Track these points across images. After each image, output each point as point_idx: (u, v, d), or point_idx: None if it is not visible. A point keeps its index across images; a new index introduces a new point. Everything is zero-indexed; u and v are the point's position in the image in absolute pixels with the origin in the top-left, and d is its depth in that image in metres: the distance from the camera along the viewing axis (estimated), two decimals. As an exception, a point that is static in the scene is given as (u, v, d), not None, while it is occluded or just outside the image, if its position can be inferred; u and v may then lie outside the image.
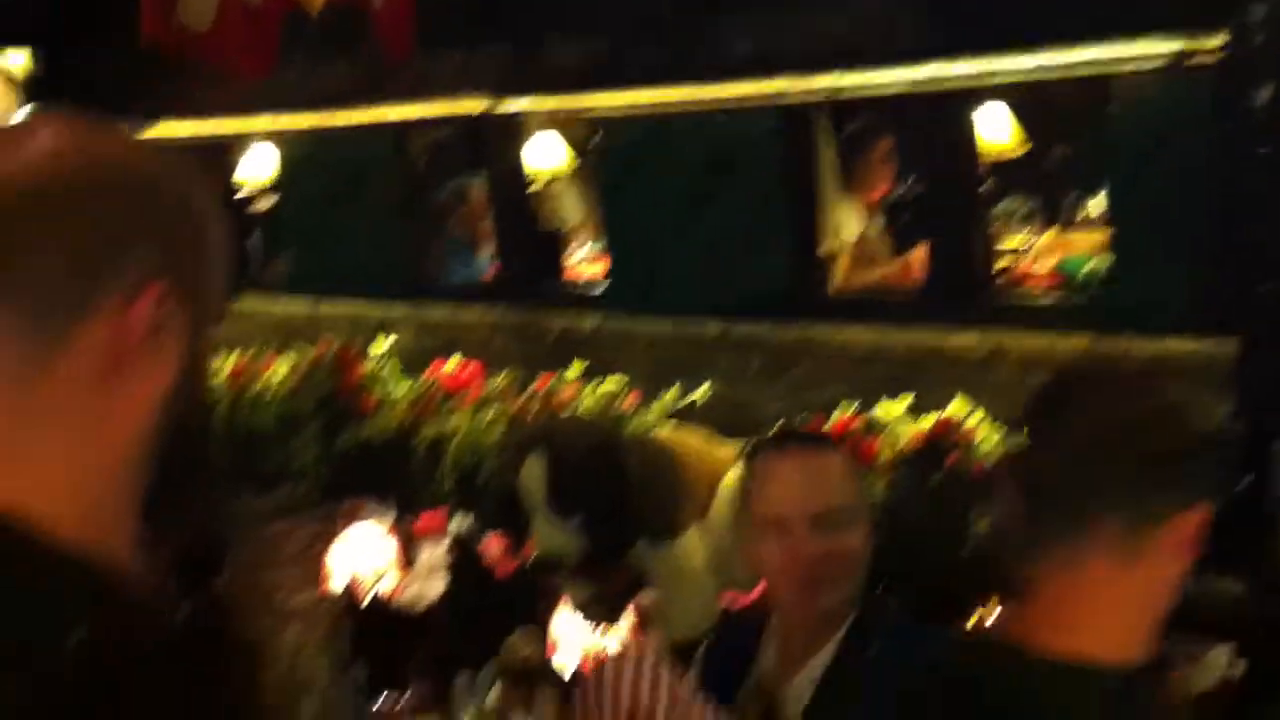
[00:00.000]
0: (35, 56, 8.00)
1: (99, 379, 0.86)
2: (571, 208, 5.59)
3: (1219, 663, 3.49)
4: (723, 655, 2.02)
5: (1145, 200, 3.17)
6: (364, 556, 4.58)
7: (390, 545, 4.61)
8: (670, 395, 4.05)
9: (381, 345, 4.75)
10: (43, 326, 0.86)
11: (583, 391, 4.13)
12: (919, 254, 3.98)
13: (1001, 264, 3.87)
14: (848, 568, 1.81)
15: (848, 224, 4.38)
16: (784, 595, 1.85)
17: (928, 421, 3.40)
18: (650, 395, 4.10)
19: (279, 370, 4.85)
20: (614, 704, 1.49)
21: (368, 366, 4.70)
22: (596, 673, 1.54)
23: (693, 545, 3.66)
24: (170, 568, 0.97)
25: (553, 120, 5.41)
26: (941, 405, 3.48)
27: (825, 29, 3.79)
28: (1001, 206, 4.67)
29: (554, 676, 3.68)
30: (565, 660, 3.73)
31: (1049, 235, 3.97)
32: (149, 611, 0.88)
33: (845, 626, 1.84)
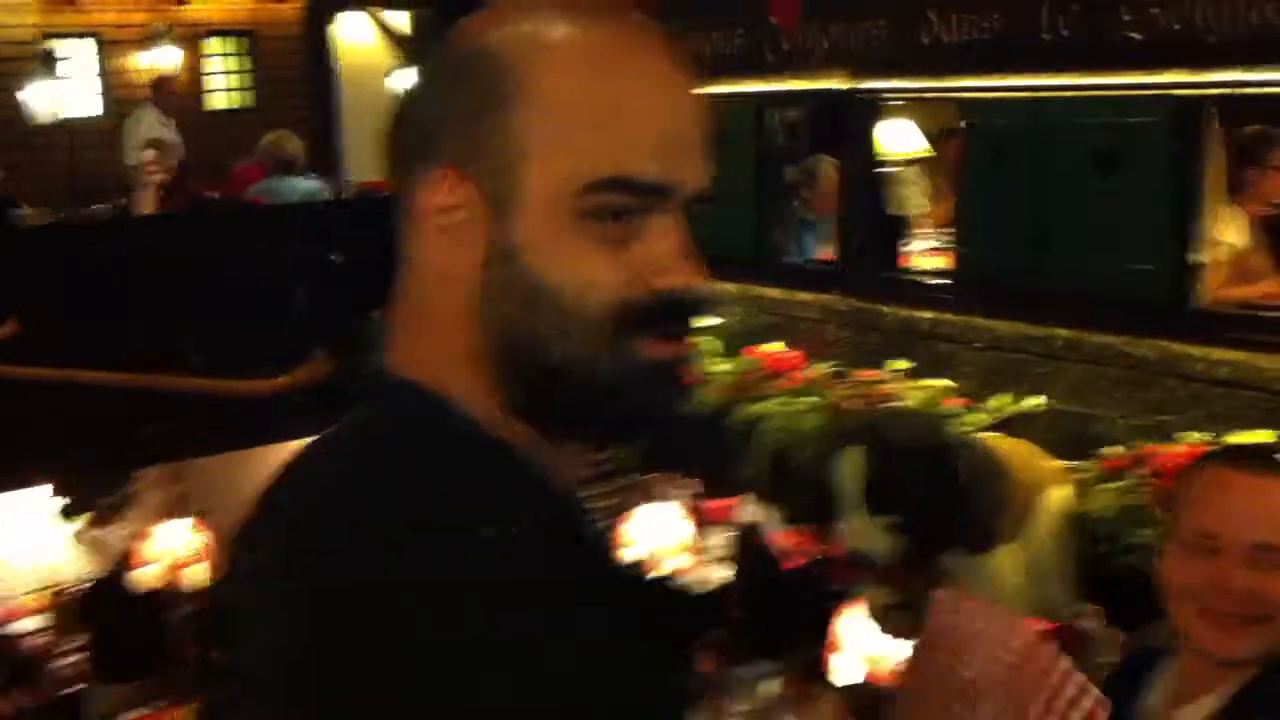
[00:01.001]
0: (414, 19, 8.48)
1: (425, 264, 0.82)
2: (919, 195, 5.38)
3: None
4: (1116, 685, 1.84)
5: None
6: (659, 532, 4.57)
7: (687, 524, 4.58)
8: (1004, 400, 3.81)
9: (707, 319, 4.71)
10: (402, 194, 0.83)
11: (907, 386, 3.95)
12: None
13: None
14: (1273, 614, 1.58)
15: (1229, 233, 4.00)
16: (1191, 624, 1.64)
17: None
18: (981, 400, 3.88)
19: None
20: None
21: (695, 340, 4.67)
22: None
23: (1009, 561, 3.42)
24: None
25: (917, 102, 5.22)
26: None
27: (1225, 21, 3.45)
28: None
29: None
30: (847, 664, 3.57)
31: None
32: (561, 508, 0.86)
33: (1252, 675, 1.61)
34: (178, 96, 8.73)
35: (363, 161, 7.74)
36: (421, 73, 0.86)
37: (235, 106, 11.10)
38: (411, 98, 0.85)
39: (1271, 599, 1.56)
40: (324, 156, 7.81)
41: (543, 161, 0.79)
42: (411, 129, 0.84)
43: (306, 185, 6.60)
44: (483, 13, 0.85)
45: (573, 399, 0.82)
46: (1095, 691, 1.29)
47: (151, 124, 7.53)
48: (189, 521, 4.25)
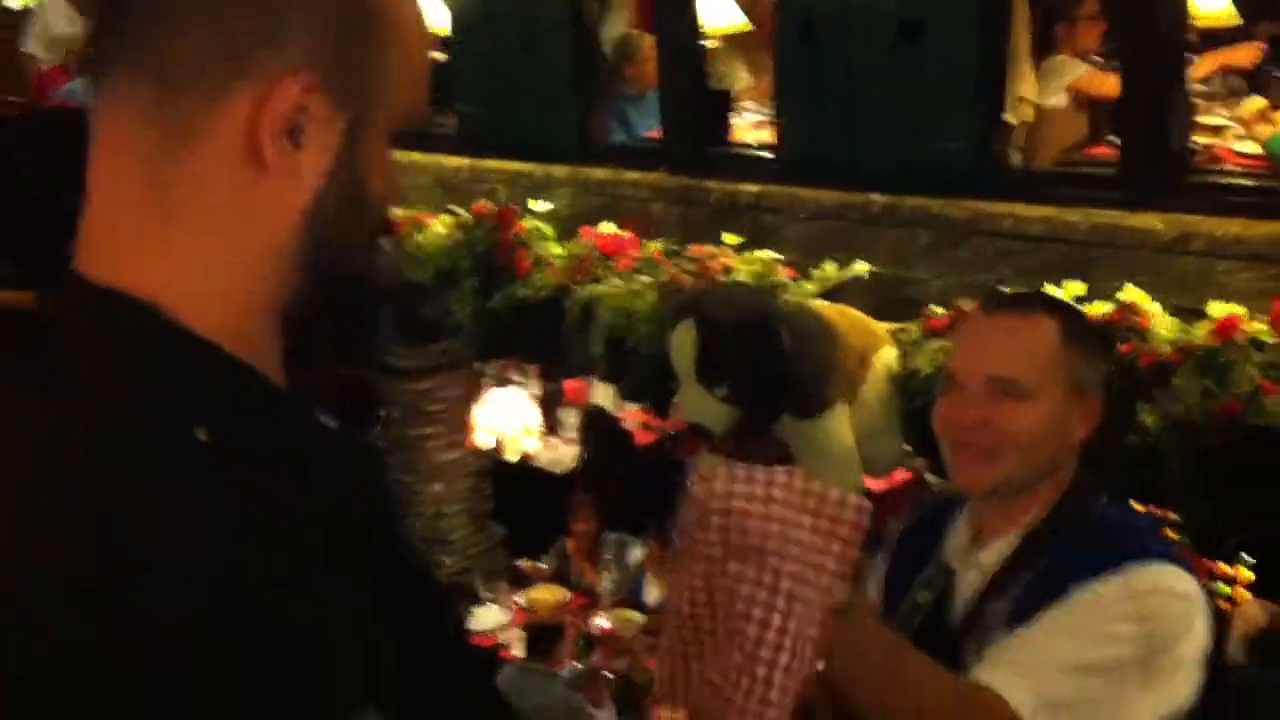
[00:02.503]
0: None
1: (236, 169, 0.80)
2: (742, 70, 5.40)
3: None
4: (916, 536, 1.93)
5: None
6: (509, 417, 4.61)
7: (534, 408, 4.63)
8: (829, 269, 3.91)
9: (540, 205, 4.70)
10: (180, 102, 0.79)
11: (739, 261, 4.02)
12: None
13: (1199, 142, 3.57)
14: (1012, 443, 1.67)
15: (1045, 93, 4.13)
16: (948, 460, 1.74)
17: (1101, 308, 3.19)
18: (809, 268, 3.97)
19: (439, 225, 4.85)
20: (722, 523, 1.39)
21: (526, 225, 4.66)
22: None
23: (840, 422, 3.54)
24: (317, 402, 0.90)
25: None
26: (1119, 291, 3.28)
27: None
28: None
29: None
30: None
31: (1252, 108, 3.64)
32: (294, 412, 0.84)
33: (1039, 516, 1.72)
34: None
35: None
36: None
37: (33, 5, 10.46)
38: (182, 14, 0.80)
39: (1003, 429, 1.65)
40: None
41: (396, 90, 0.86)
42: (220, 32, 0.80)
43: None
44: None
45: (351, 294, 0.86)
46: (855, 499, 1.35)
47: None
48: None
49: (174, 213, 0.80)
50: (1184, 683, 1.58)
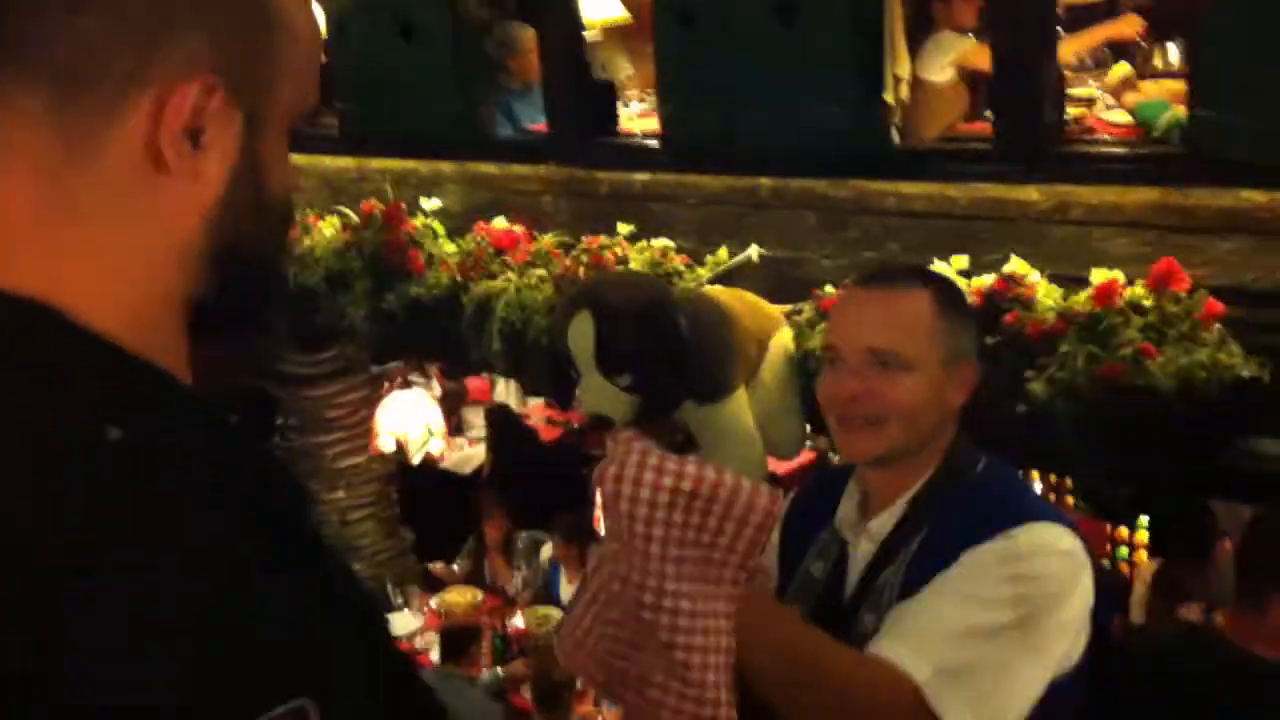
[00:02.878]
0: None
1: (138, 172, 0.80)
2: (624, 61, 5.42)
3: None
4: (808, 507, 1.97)
5: (1229, 48, 2.97)
6: (410, 420, 4.58)
7: (436, 409, 4.60)
8: (721, 254, 3.95)
9: (430, 202, 4.67)
10: (75, 107, 0.78)
11: (632, 250, 4.04)
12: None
13: (1071, 114, 3.68)
14: (894, 412, 1.72)
15: (926, 71, 4.21)
16: (833, 433, 1.79)
17: (986, 280, 3.27)
18: (701, 254, 4.00)
19: (327, 227, 4.80)
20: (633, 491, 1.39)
21: (416, 224, 4.63)
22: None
23: (741, 405, 3.58)
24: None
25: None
26: (1003, 263, 3.36)
27: None
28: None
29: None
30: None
31: (1118, 75, 3.76)
32: (199, 411, 0.82)
33: (923, 480, 1.77)
34: None
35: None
36: None
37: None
38: (69, 13, 0.78)
39: (884, 399, 1.70)
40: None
41: (290, 86, 0.86)
42: (117, 40, 0.79)
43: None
44: None
45: (260, 290, 0.90)
46: (767, 489, 1.36)
47: None
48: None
49: (73, 216, 0.79)
50: (1072, 640, 1.64)
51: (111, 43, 0.78)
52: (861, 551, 1.78)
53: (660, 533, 1.39)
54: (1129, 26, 4.36)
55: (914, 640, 1.57)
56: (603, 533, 1.47)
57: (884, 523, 1.77)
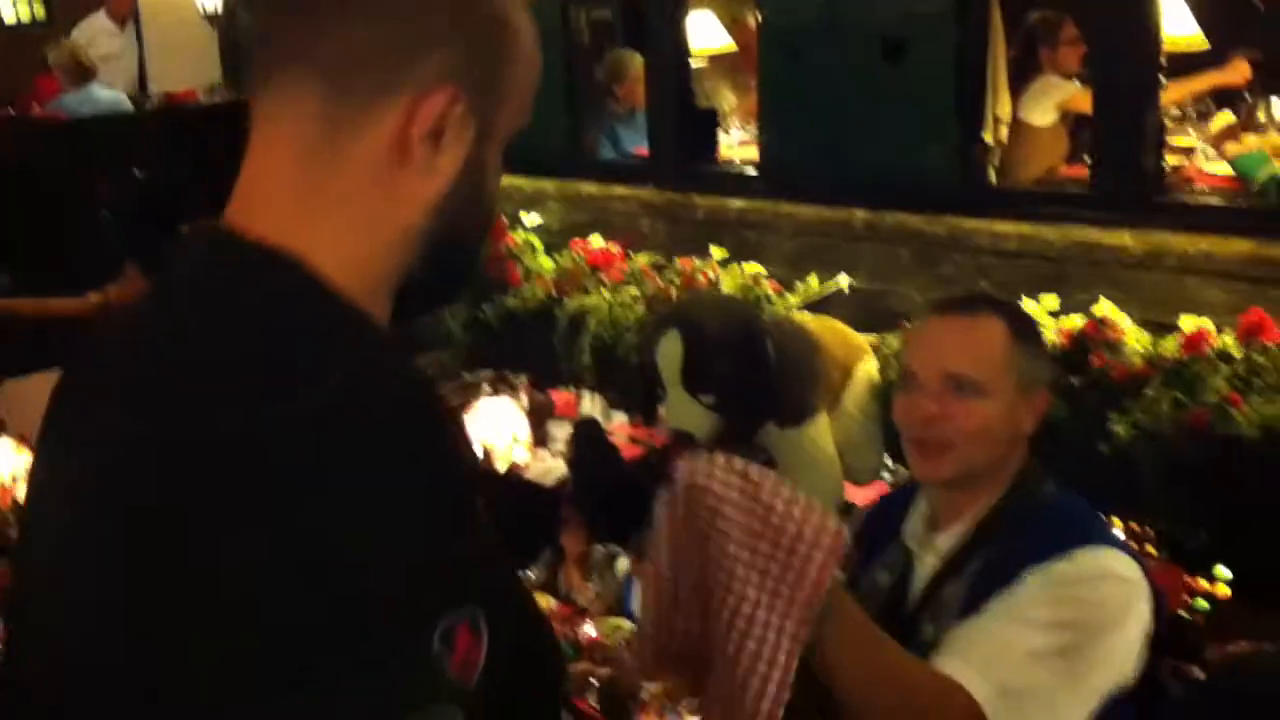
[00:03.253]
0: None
1: (385, 165, 0.94)
2: (728, 90, 5.51)
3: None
4: (878, 520, 2.02)
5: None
6: (498, 428, 4.67)
7: (523, 420, 4.69)
8: (812, 282, 4.01)
9: (531, 218, 4.79)
10: (343, 101, 0.93)
11: (724, 274, 4.12)
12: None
13: (1170, 162, 3.69)
14: (970, 437, 1.76)
15: (1029, 113, 4.26)
16: (907, 454, 1.84)
17: (1075, 321, 3.30)
18: (792, 282, 4.06)
19: (431, 237, 4.94)
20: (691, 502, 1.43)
21: (517, 238, 4.76)
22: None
23: (823, 431, 3.62)
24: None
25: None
26: (1092, 305, 3.38)
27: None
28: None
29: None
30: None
31: (1221, 124, 3.76)
32: (407, 362, 0.98)
33: (991, 501, 1.80)
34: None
35: (161, 70, 7.50)
36: None
37: (26, 20, 10.57)
38: (345, 20, 0.93)
39: (958, 423, 1.75)
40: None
41: (514, 104, 1.00)
42: (382, 46, 0.93)
43: (107, 95, 6.39)
44: None
45: (461, 276, 1.07)
46: (832, 525, 1.39)
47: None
48: (10, 443, 4.18)
49: (325, 193, 0.93)
50: (1126, 663, 1.67)
51: (379, 51, 0.93)
52: (927, 565, 1.82)
53: (738, 535, 1.42)
54: (1237, 74, 4.34)
55: (977, 660, 1.61)
56: (661, 543, 1.51)
57: (950, 539, 1.81)
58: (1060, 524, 1.75)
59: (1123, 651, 1.67)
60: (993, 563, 1.74)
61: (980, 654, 1.63)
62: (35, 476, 0.99)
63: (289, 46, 0.94)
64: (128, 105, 6.65)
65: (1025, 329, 1.85)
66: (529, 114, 1.02)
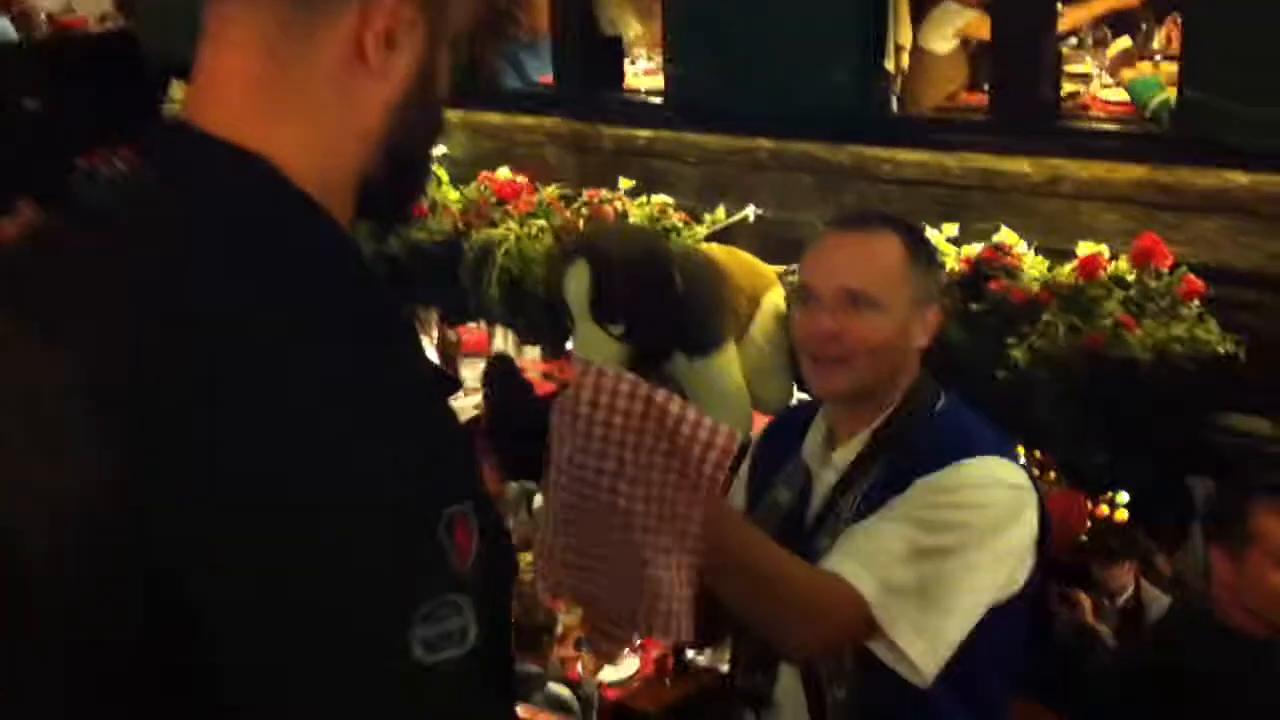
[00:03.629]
0: None
1: (342, 67, 0.96)
2: (632, 18, 5.46)
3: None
4: (776, 440, 2.03)
5: (1218, 32, 3.04)
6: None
7: (434, 358, 4.68)
8: (718, 213, 4.02)
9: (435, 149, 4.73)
10: (299, 4, 0.95)
11: (631, 205, 4.11)
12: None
13: (1067, 89, 3.74)
14: (867, 350, 1.78)
15: (929, 41, 4.28)
16: (804, 369, 1.86)
17: (973, 249, 3.35)
18: (700, 212, 4.07)
19: (333, 170, 4.86)
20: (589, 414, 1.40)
21: (422, 168, 4.69)
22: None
23: (731, 360, 3.66)
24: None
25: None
26: (993, 233, 3.44)
27: None
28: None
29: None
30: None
31: (1118, 48, 3.82)
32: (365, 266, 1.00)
33: (885, 414, 1.83)
34: None
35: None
36: None
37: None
38: None
39: (855, 338, 1.78)
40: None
41: (458, 5, 1.01)
42: None
43: (-3, 25, 6.18)
44: None
45: (416, 180, 1.09)
46: (723, 428, 1.40)
47: None
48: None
49: (286, 94, 0.96)
50: (1013, 568, 1.73)
51: None
52: (825, 481, 1.86)
53: (633, 440, 1.43)
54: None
55: (864, 559, 1.66)
56: (560, 453, 1.51)
57: (846, 454, 1.85)
58: (950, 434, 1.80)
59: (1009, 556, 1.72)
60: (885, 473, 1.78)
61: (866, 551, 1.68)
62: None
63: None
64: (13, 34, 6.43)
65: (919, 246, 1.87)
66: (473, 16, 1.04)
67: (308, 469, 0.82)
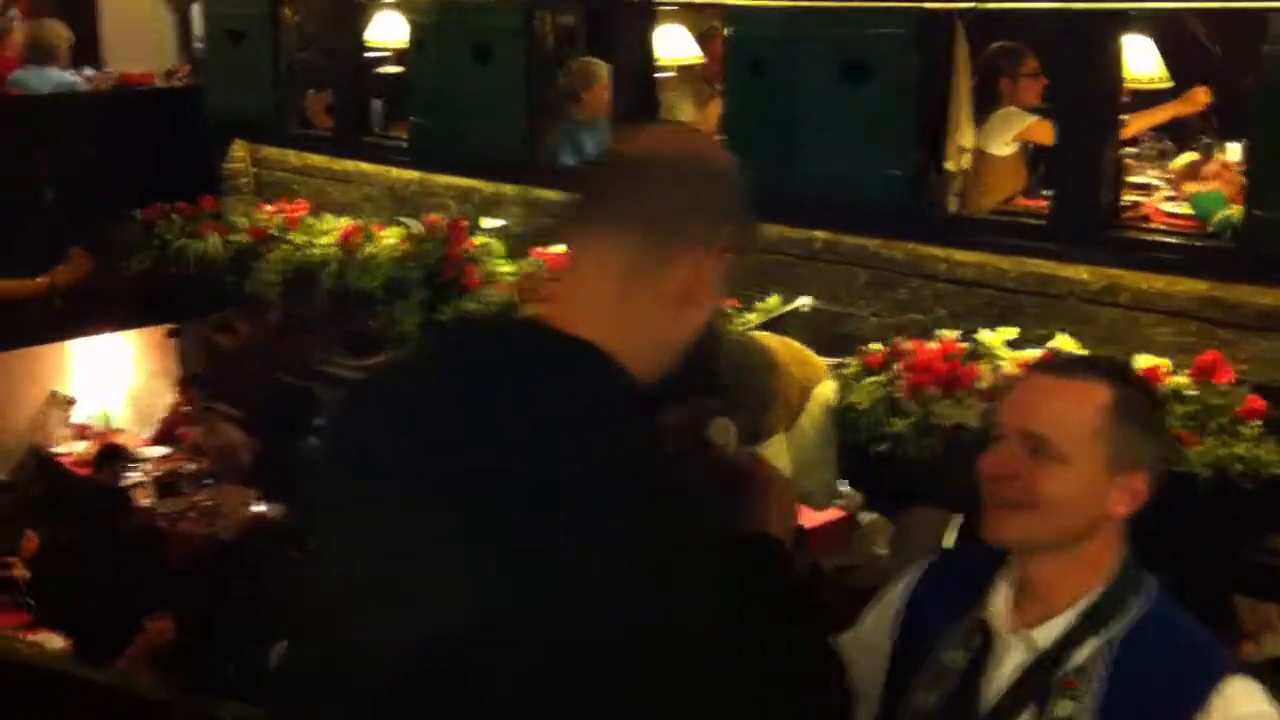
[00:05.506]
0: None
1: (675, 300, 1.35)
2: (687, 104, 5.52)
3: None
4: (942, 587, 1.84)
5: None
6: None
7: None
8: (772, 301, 4.02)
9: (491, 221, 4.77)
10: (649, 248, 1.34)
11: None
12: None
13: (1128, 199, 3.75)
14: (1037, 501, 1.64)
15: (988, 144, 4.30)
16: (984, 510, 1.71)
17: (1032, 354, 3.34)
18: (752, 300, 4.08)
19: (390, 236, 4.91)
20: None
21: (476, 241, 4.73)
22: None
23: (779, 452, 3.64)
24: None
25: (683, 11, 5.33)
26: (1048, 339, 3.43)
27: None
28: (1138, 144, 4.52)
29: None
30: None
31: (1182, 162, 3.83)
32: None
33: (1093, 593, 1.68)
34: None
35: (124, 52, 7.36)
36: (661, 176, 1.37)
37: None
38: (670, 184, 1.36)
39: (1028, 486, 1.65)
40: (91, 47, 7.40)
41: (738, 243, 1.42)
42: (687, 213, 1.35)
43: (60, 76, 6.28)
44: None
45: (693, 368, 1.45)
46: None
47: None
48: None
49: (635, 315, 1.34)
50: None
51: (691, 216, 1.35)
52: (1013, 654, 1.70)
53: None
54: (1193, 104, 4.38)
55: None
56: None
57: (1049, 632, 1.68)
58: (1186, 644, 1.67)
59: None
60: (1120, 685, 1.63)
61: None
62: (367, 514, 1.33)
63: (618, 200, 1.37)
64: (78, 83, 6.54)
65: (1134, 403, 1.70)
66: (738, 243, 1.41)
67: None
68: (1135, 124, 4.22)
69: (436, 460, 1.28)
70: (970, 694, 1.69)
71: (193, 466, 6.35)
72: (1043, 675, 1.66)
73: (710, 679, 1.29)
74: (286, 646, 1.46)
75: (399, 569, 1.26)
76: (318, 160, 5.68)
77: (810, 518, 3.75)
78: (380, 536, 1.28)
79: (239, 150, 5.95)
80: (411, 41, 5.08)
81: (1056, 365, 1.86)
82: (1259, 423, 2.99)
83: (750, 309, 4.04)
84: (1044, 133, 4.29)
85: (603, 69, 5.01)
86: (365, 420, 1.40)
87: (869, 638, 1.84)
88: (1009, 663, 1.68)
